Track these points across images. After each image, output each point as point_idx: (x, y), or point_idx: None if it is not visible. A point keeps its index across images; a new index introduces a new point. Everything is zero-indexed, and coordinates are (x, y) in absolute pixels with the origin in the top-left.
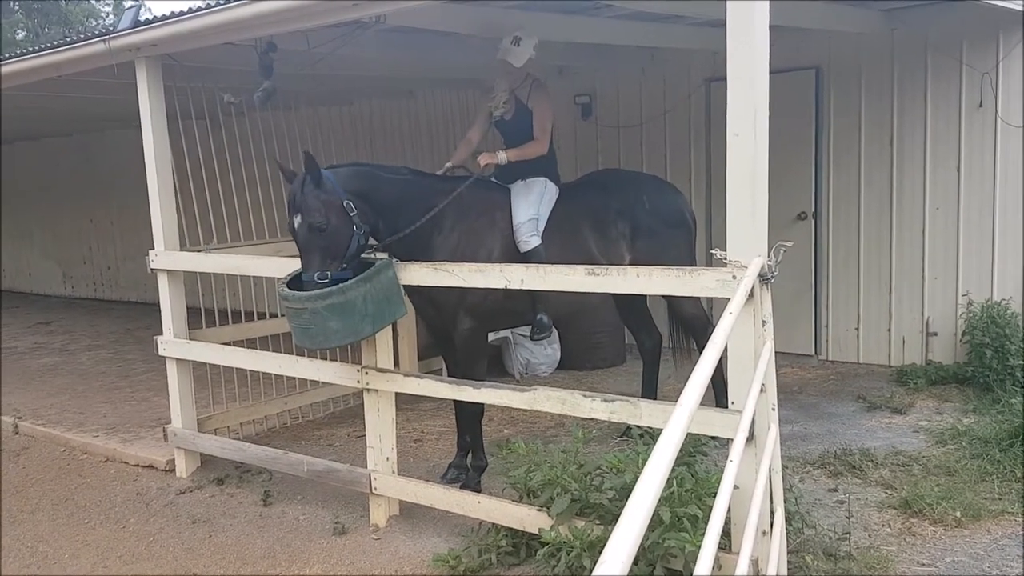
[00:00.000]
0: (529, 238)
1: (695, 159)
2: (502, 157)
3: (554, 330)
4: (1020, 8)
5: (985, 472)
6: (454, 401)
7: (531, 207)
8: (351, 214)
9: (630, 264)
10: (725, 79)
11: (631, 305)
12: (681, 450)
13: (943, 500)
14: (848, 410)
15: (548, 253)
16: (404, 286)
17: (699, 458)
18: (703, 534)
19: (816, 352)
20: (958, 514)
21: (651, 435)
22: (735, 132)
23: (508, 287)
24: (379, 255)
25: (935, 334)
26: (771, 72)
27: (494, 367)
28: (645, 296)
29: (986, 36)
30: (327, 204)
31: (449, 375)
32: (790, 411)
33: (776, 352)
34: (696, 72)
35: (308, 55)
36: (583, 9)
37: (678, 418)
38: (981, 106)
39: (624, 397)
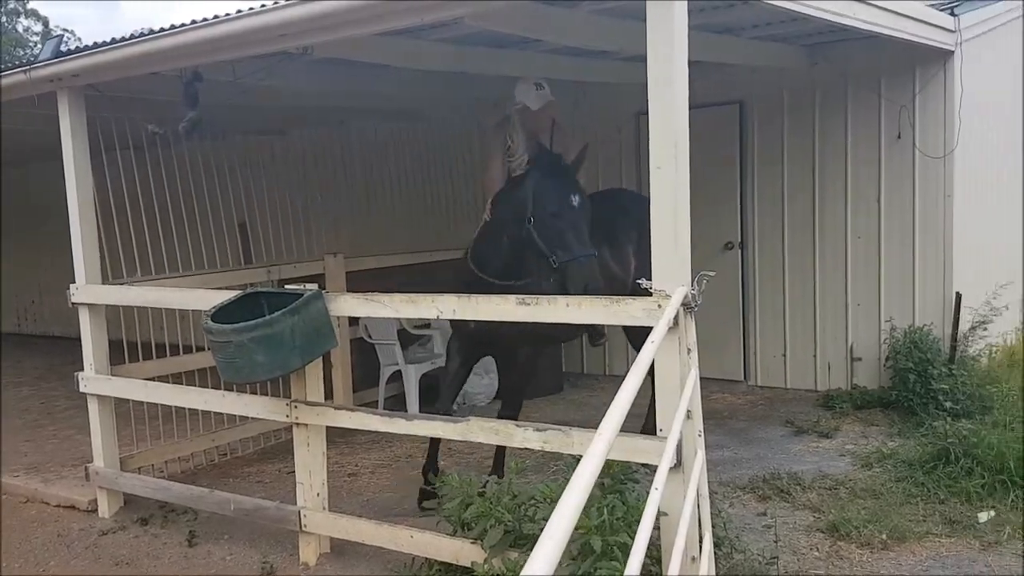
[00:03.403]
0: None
1: (629, 186)
2: None
3: (491, 360)
4: (935, 43)
5: (910, 495)
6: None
7: None
8: None
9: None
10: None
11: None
12: (612, 478)
13: (869, 523)
14: (777, 435)
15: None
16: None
17: (631, 486)
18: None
19: (745, 377)
20: (884, 537)
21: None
22: (657, 165)
23: (440, 317)
24: (308, 286)
25: (859, 359)
26: (697, 106)
27: (431, 397)
28: None
29: (903, 70)
30: None
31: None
32: (721, 436)
33: (707, 378)
34: (626, 105)
35: (234, 85)
36: (513, 43)
37: (595, 448)
38: (899, 138)
39: (556, 426)
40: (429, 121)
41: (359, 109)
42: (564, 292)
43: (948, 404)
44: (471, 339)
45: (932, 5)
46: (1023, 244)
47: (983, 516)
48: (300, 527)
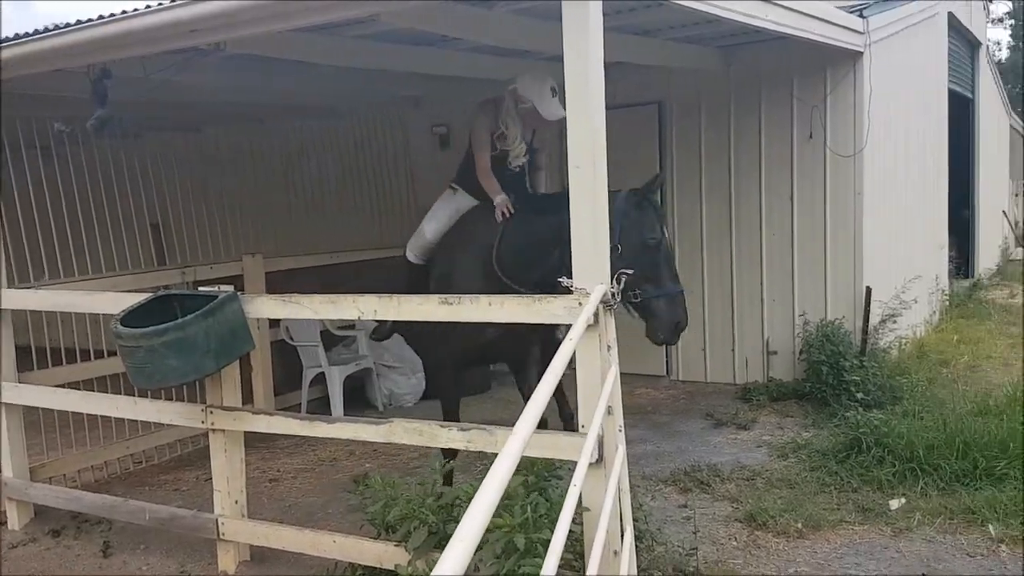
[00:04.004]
0: None
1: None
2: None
3: (418, 359)
4: (844, 45)
5: (824, 484)
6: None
7: None
8: None
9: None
10: None
11: None
12: (536, 476)
13: (785, 512)
14: (697, 427)
15: None
16: None
17: (555, 483)
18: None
19: (668, 372)
20: (800, 525)
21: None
22: (576, 164)
23: (361, 318)
24: (223, 287)
25: (775, 353)
26: (617, 106)
27: (357, 399)
28: None
29: (814, 71)
30: None
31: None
32: (644, 431)
33: (630, 374)
34: None
35: (145, 82)
36: (433, 41)
37: (509, 448)
38: (811, 137)
39: (480, 426)
40: (351, 118)
41: (279, 106)
42: (650, 325)
43: (859, 395)
44: (488, 346)
45: (842, 7)
46: (934, 239)
47: (894, 503)
48: (218, 535)
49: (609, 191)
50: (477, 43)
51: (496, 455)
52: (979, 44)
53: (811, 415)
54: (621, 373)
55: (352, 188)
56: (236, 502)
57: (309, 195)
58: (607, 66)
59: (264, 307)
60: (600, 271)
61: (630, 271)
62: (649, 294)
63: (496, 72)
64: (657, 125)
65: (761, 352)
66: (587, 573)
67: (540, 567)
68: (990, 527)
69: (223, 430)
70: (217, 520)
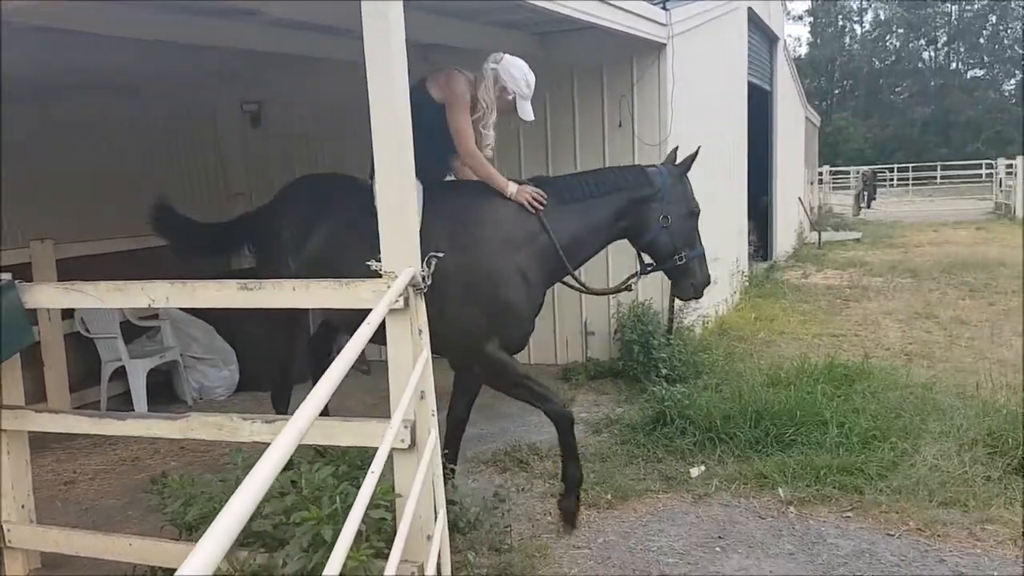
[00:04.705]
0: None
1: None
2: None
3: (229, 350)
4: (649, 36)
5: (632, 456)
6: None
7: None
8: None
9: None
10: None
11: None
12: (349, 465)
13: (597, 485)
14: (520, 408)
15: None
16: None
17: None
18: (368, 548)
19: None
20: (609, 496)
21: (320, 453)
22: (381, 145)
23: (152, 305)
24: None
25: (592, 334)
26: None
27: (163, 393)
28: None
29: (623, 61)
30: None
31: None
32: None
33: None
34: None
35: None
36: (236, 13)
37: (282, 440)
38: (620, 126)
39: (287, 417)
40: (155, 95)
41: (77, 82)
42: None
43: (664, 371)
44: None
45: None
46: (735, 224)
47: (695, 471)
48: (4, 543)
49: (648, 166)
50: (289, 18)
51: (313, 448)
52: (777, 39)
53: (624, 391)
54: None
55: (157, 170)
56: (23, 507)
57: (112, 178)
58: (425, 47)
59: (44, 296)
60: (409, 254)
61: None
62: (689, 257)
63: (301, 48)
64: None
65: (580, 333)
66: (405, 557)
67: (349, 558)
68: (780, 490)
69: (4, 431)
70: (2, 527)
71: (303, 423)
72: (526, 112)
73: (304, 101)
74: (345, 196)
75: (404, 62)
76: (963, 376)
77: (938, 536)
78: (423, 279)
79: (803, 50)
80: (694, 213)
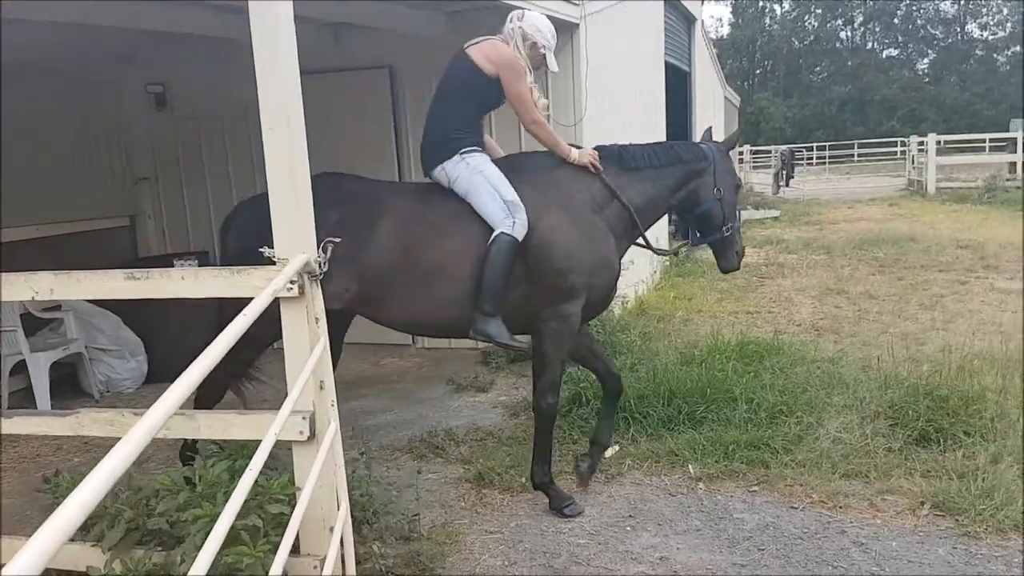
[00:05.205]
0: None
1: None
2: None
3: (137, 341)
4: (562, 16)
5: None
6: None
7: None
8: None
9: None
10: (302, 74)
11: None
12: (246, 459)
13: (511, 469)
14: (439, 393)
15: None
16: None
17: (273, 463)
18: (266, 544)
19: (414, 341)
20: (523, 480)
21: (221, 447)
22: (270, 126)
23: (36, 298)
24: None
25: None
26: (344, 69)
27: (67, 386)
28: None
29: None
30: None
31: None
32: (387, 400)
33: (376, 343)
34: None
35: None
36: None
37: (133, 434)
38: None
39: (181, 411)
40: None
41: None
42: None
43: None
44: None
45: None
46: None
47: (608, 451)
48: None
49: (695, 143)
50: None
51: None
52: (695, 19)
53: None
54: (368, 344)
55: (55, 155)
56: None
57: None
58: (335, 26)
59: None
60: (303, 239)
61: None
62: (734, 228)
63: (214, 28)
64: (389, 90)
65: None
66: (307, 551)
67: (245, 554)
68: (690, 467)
69: None
70: None
71: (156, 418)
72: (552, 63)
73: (213, 82)
74: (369, 191)
75: (292, 36)
76: (868, 350)
77: (840, 508)
78: (319, 265)
79: (725, 31)
80: (739, 187)
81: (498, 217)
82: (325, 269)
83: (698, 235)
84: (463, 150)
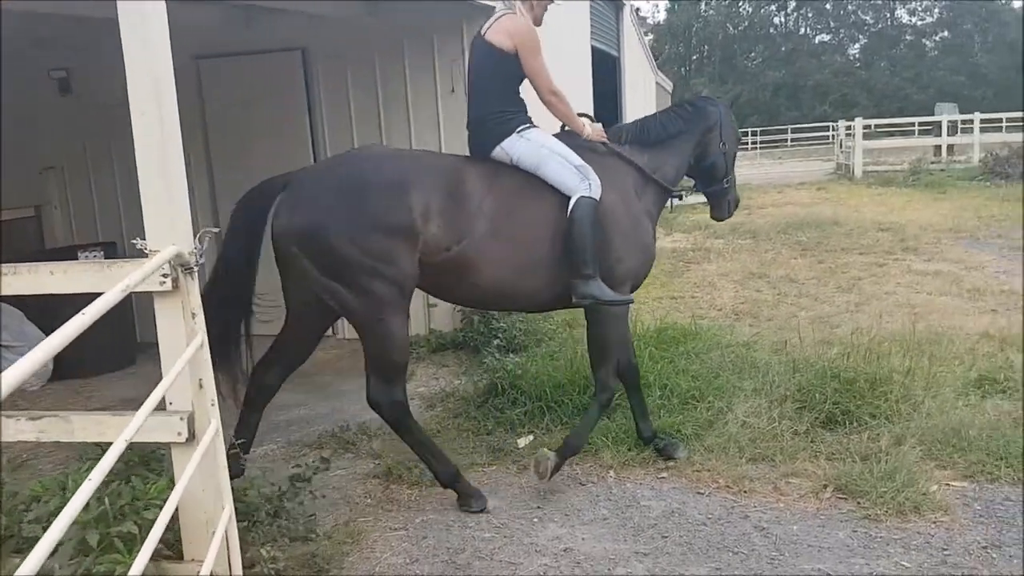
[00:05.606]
0: None
1: (188, 138)
2: None
3: (43, 336)
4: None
5: (462, 429)
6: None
7: None
8: None
9: None
10: (212, 57)
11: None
12: (126, 462)
13: (421, 463)
14: (356, 386)
15: None
16: None
17: (155, 466)
18: (139, 551)
19: (334, 332)
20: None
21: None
22: (140, 111)
23: None
24: None
25: (435, 306)
26: (255, 52)
27: None
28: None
29: (453, 26)
30: None
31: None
32: (301, 394)
33: None
34: (183, 49)
35: None
36: None
37: None
38: (453, 91)
39: (54, 413)
40: None
41: None
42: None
43: (497, 342)
44: None
45: None
46: None
47: (522, 441)
48: None
49: (703, 100)
50: None
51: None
52: (623, 5)
53: (464, 363)
54: None
55: None
56: None
57: None
58: (245, 8)
59: None
60: (178, 230)
61: (215, 229)
62: (732, 180)
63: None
64: (303, 73)
65: (423, 306)
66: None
67: (116, 563)
68: (603, 455)
69: None
70: None
71: None
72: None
73: (117, 67)
74: (445, 160)
75: (163, 12)
76: (783, 333)
77: (745, 492)
78: (195, 257)
79: (661, 16)
80: (740, 140)
81: (573, 182)
82: (202, 261)
83: (700, 185)
84: (519, 129)
